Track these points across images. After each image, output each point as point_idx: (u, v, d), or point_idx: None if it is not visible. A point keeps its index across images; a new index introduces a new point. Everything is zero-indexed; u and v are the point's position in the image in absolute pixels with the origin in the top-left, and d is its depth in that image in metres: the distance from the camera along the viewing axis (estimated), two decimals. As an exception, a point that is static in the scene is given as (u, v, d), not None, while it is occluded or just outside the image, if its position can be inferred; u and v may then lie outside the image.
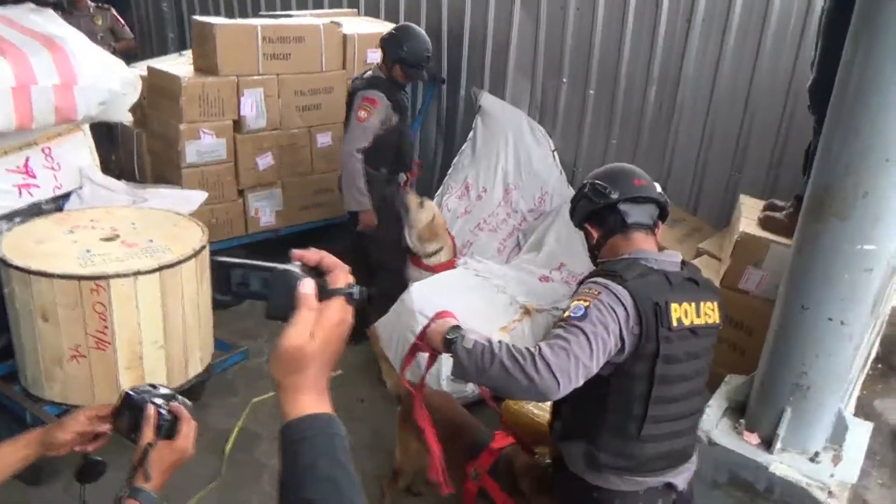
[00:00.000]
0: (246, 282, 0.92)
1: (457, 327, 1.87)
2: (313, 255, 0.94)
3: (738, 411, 2.36)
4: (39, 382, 2.93)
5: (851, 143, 1.84)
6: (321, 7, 5.83)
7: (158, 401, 1.29)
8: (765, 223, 2.97)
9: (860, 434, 2.34)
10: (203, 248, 3.01)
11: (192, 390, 3.57)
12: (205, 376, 3.32)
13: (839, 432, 2.23)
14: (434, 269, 4.12)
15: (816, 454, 2.18)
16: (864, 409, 4.42)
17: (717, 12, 3.99)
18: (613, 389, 1.87)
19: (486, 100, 4.93)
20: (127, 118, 3.23)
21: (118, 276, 2.71)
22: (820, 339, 2.03)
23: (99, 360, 2.81)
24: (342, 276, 0.92)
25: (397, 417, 2.87)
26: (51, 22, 3.33)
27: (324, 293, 0.89)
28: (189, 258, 2.92)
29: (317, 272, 0.92)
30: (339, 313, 0.91)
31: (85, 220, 3.15)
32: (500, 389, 1.80)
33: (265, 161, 4.39)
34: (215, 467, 3.33)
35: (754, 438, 2.24)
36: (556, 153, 4.78)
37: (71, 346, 2.77)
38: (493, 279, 3.92)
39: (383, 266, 4.11)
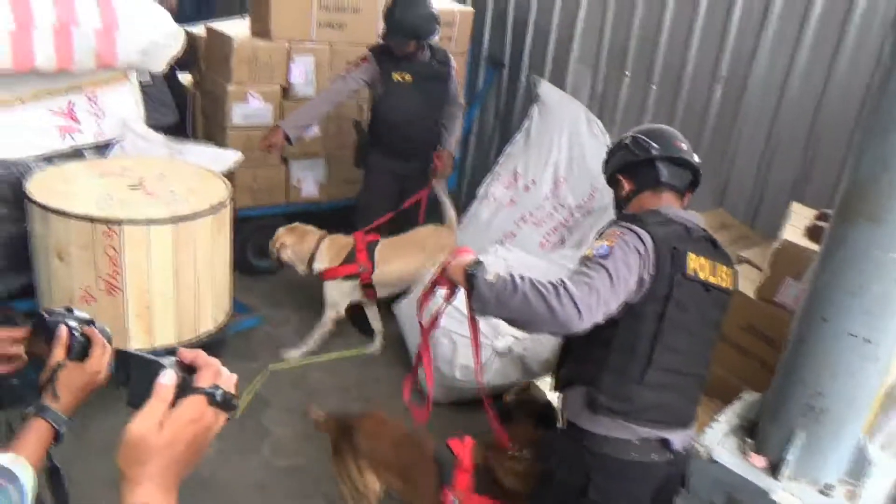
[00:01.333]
0: (127, 370, 0.98)
1: (479, 261, 1.92)
2: (190, 353, 0.97)
3: (747, 430, 2.13)
4: (52, 321, 2.97)
5: (892, 134, 1.61)
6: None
7: (72, 323, 1.26)
8: (812, 233, 2.72)
9: (886, 472, 2.07)
10: (222, 204, 2.99)
11: (208, 350, 3.57)
12: (218, 336, 3.31)
13: (859, 466, 1.97)
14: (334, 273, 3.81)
15: (828, 487, 1.94)
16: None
17: (794, 11, 3.71)
18: (621, 329, 1.92)
19: (545, 89, 4.77)
20: (163, 68, 3.26)
21: (131, 222, 2.72)
22: (839, 356, 1.79)
23: (109, 304, 2.83)
24: (210, 375, 0.94)
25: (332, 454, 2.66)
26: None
27: (185, 389, 0.91)
28: (205, 214, 2.90)
29: (190, 370, 0.95)
30: (195, 411, 0.90)
31: (117, 167, 3.19)
32: (521, 321, 1.83)
33: (311, 131, 4.37)
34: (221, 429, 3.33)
35: (761, 461, 2.02)
36: (611, 149, 4.57)
37: (81, 287, 2.80)
38: (519, 269, 3.77)
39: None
